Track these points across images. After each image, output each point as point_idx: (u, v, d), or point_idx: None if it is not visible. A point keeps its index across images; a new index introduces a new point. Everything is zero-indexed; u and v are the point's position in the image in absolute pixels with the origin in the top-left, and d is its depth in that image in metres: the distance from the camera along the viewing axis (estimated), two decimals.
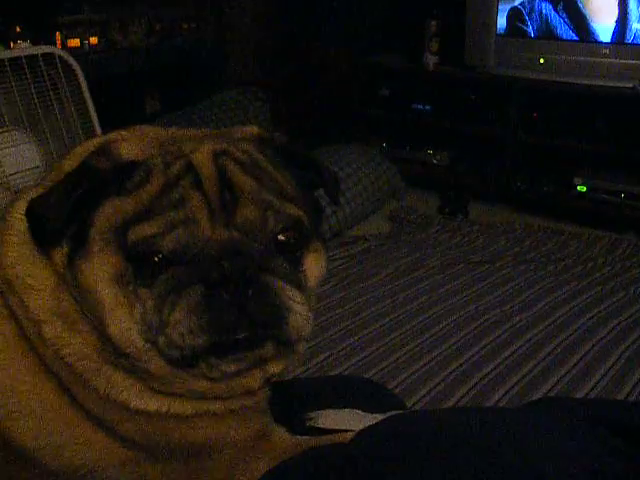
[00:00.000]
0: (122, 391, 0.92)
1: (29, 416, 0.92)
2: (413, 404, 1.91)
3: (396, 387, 1.99)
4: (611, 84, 3.47)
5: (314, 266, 0.95)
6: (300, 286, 0.91)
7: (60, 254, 0.91)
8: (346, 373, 2.07)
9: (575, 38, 3.58)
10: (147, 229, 0.86)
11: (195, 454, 0.95)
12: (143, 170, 0.89)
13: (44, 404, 0.92)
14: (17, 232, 0.96)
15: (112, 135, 0.97)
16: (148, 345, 0.88)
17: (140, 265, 0.86)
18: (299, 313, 0.88)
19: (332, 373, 2.05)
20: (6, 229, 0.97)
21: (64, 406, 0.92)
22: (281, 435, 1.02)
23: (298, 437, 1.04)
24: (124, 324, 0.88)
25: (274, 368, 0.97)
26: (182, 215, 0.86)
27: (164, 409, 0.93)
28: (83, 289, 0.89)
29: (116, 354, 0.91)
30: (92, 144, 0.96)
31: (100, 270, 0.87)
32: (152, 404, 0.93)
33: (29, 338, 0.92)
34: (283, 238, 0.91)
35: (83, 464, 0.93)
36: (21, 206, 0.96)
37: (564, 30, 3.61)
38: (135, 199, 0.88)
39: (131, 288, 0.87)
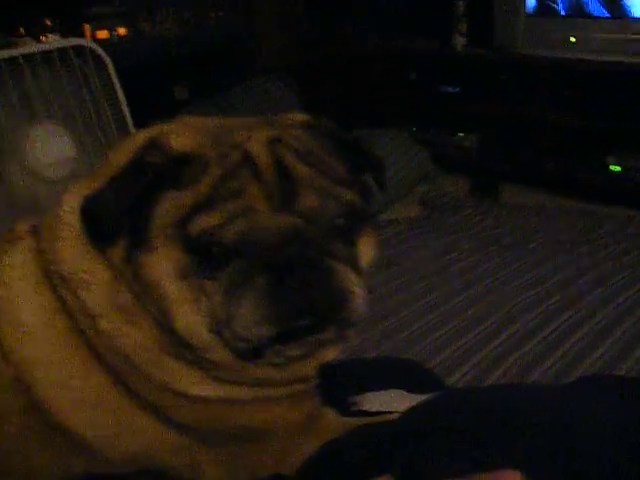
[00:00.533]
0: (180, 380, 0.93)
1: (85, 407, 0.93)
2: (451, 384, 1.91)
3: (433, 369, 1.99)
4: None
5: (367, 249, 0.96)
6: (357, 269, 0.92)
7: (117, 250, 0.92)
8: (384, 354, 2.07)
9: (607, 14, 3.53)
10: (208, 221, 0.85)
11: (249, 438, 0.96)
12: (198, 162, 0.89)
13: (99, 395, 0.94)
14: (69, 227, 0.96)
15: (160, 128, 0.97)
16: (214, 337, 0.89)
17: (203, 258, 0.86)
18: (359, 296, 0.89)
19: (369, 356, 2.06)
20: (58, 224, 0.97)
21: (118, 396, 0.93)
22: (330, 417, 1.03)
23: (346, 418, 1.04)
24: (190, 318, 0.88)
25: (331, 353, 0.99)
26: (242, 205, 0.86)
27: (221, 396, 0.94)
28: (145, 283, 0.89)
29: (180, 346, 0.91)
30: (140, 138, 0.96)
31: (163, 265, 0.87)
32: (211, 391, 0.94)
33: (83, 332, 0.93)
34: (340, 223, 0.91)
35: (139, 451, 0.95)
36: (70, 200, 0.97)
37: (595, 6, 3.57)
38: (193, 191, 0.87)
39: (195, 281, 0.87)
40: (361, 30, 4.41)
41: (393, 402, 1.08)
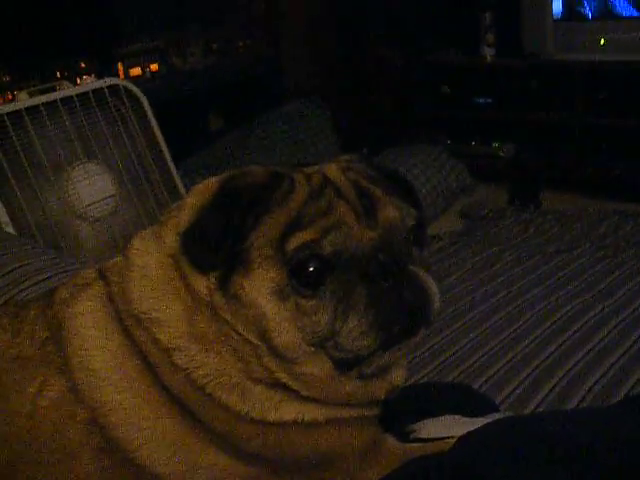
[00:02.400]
0: (260, 405, 0.95)
1: (159, 446, 0.96)
2: (500, 402, 1.89)
3: (481, 386, 1.98)
4: None
5: (428, 257, 1.03)
6: (430, 272, 1.00)
7: (208, 278, 0.95)
8: (430, 375, 2.06)
9: (636, 14, 3.50)
10: (305, 236, 0.91)
11: (318, 465, 0.97)
12: (287, 182, 0.96)
13: (171, 434, 0.96)
14: (138, 268, 1.01)
15: (228, 173, 1.02)
16: (314, 350, 0.93)
17: (301, 275, 0.91)
18: (437, 297, 0.97)
19: (417, 376, 2.05)
20: (128, 267, 1.01)
21: (191, 433, 0.96)
22: (391, 443, 1.04)
23: (406, 445, 1.05)
24: (290, 333, 0.92)
25: (400, 374, 1.05)
26: (334, 220, 0.92)
27: (299, 418, 0.96)
28: (244, 304, 0.92)
29: (277, 360, 0.94)
30: (211, 182, 1.00)
31: (263, 284, 0.91)
32: (288, 414, 0.96)
33: (156, 371, 0.96)
34: (413, 233, 1.00)
35: None
36: (137, 244, 1.03)
37: (623, 6, 3.54)
38: (285, 211, 0.93)
39: (293, 299, 0.91)
40: (389, 47, 4.43)
41: (450, 428, 1.08)
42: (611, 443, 0.74)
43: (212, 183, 1.00)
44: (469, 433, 0.89)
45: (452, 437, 1.02)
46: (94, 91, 2.56)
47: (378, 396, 1.02)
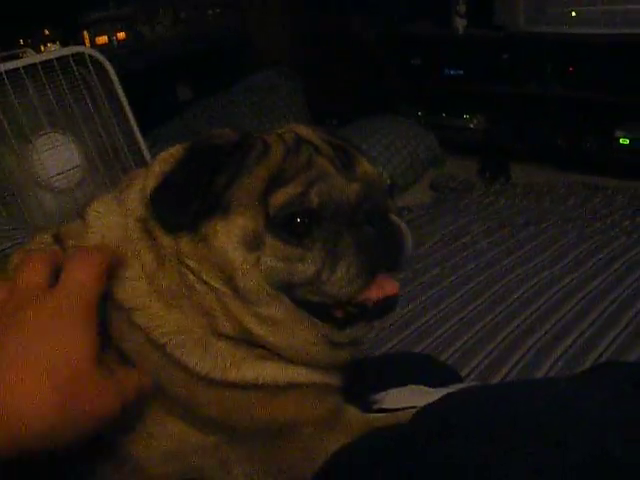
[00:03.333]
0: (218, 363, 0.93)
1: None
2: (467, 374, 1.90)
3: (449, 357, 1.99)
4: None
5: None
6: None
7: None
8: (398, 347, 2.07)
9: None
10: (290, 190, 0.91)
11: (276, 433, 0.95)
12: (260, 142, 0.96)
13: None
14: (96, 230, 0.98)
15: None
16: (278, 293, 0.93)
17: (288, 227, 0.91)
18: (411, 246, 0.97)
19: (385, 347, 2.05)
20: (86, 229, 0.98)
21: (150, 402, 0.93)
22: (352, 413, 1.03)
23: (368, 415, 1.04)
24: (255, 280, 0.91)
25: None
26: (316, 173, 0.93)
27: (260, 379, 0.94)
28: (211, 249, 0.91)
29: (243, 305, 0.93)
30: (177, 148, 0.99)
31: (234, 231, 0.91)
32: (250, 373, 0.94)
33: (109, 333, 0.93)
34: (387, 184, 1.03)
35: (169, 455, 0.94)
36: (96, 207, 1.00)
37: None
38: (265, 167, 0.93)
39: (269, 250, 0.91)
40: (360, 17, 4.39)
41: (413, 398, 1.07)
42: (565, 414, 0.74)
43: (178, 148, 0.98)
44: (429, 405, 0.88)
45: (415, 407, 1.02)
46: (59, 59, 2.51)
47: (343, 358, 1.01)
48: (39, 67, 2.46)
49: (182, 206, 0.90)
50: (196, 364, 0.92)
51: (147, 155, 2.75)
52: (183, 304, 0.93)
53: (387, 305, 0.96)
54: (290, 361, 0.96)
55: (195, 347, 0.92)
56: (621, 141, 3.55)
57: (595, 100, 3.66)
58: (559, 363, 1.93)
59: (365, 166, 0.99)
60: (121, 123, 2.69)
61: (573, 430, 0.71)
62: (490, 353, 2.01)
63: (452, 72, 4.09)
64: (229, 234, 0.90)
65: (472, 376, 1.91)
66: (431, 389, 1.10)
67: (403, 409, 1.04)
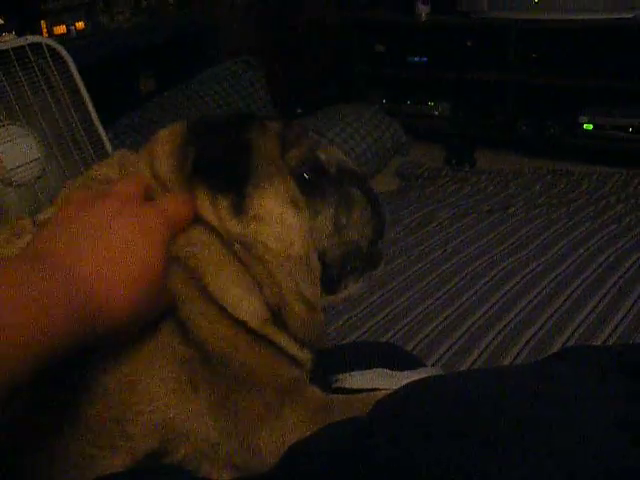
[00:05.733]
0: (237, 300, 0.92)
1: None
2: (435, 362, 1.90)
3: (417, 345, 1.98)
4: (609, 16, 3.40)
5: None
6: None
7: (217, 208, 0.91)
8: (365, 335, 2.06)
9: None
10: (301, 150, 0.96)
11: (241, 381, 0.92)
12: (254, 119, 0.98)
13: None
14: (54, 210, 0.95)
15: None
16: (316, 261, 0.97)
17: (304, 184, 0.94)
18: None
19: (351, 336, 2.04)
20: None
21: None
22: (314, 390, 1.01)
23: (329, 394, 1.03)
24: (306, 244, 0.93)
25: None
26: (312, 140, 1.00)
27: (253, 322, 0.92)
28: (267, 223, 0.91)
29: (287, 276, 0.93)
30: (175, 127, 0.98)
31: (280, 198, 0.92)
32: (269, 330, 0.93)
33: None
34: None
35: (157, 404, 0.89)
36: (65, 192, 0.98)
37: None
38: (271, 135, 0.96)
39: (305, 207, 0.94)
40: (324, 5, 4.37)
41: (375, 380, 1.07)
42: (532, 401, 0.73)
43: (176, 127, 0.97)
44: (389, 395, 0.86)
45: (378, 389, 1.01)
46: (15, 49, 2.45)
47: (322, 343, 1.04)
48: None
49: (224, 166, 0.91)
50: (236, 307, 0.91)
51: (108, 147, 2.70)
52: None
53: (375, 256, 1.05)
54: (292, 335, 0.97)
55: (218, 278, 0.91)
56: (585, 126, 3.57)
57: (558, 86, 3.68)
58: (526, 349, 1.94)
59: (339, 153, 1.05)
60: (81, 115, 2.64)
61: (540, 417, 0.69)
62: (457, 340, 2.00)
63: (416, 59, 4.08)
64: (278, 200, 0.91)
65: (440, 363, 1.90)
66: (395, 372, 1.09)
67: (365, 390, 1.03)
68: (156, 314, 0.84)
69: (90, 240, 0.75)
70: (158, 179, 0.93)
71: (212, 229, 0.91)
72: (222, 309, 0.90)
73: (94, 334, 0.71)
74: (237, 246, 0.91)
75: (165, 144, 0.95)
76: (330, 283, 1.01)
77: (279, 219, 0.91)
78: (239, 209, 0.90)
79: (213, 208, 0.90)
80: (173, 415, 0.88)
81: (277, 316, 0.94)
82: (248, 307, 0.91)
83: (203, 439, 0.90)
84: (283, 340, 0.95)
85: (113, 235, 0.76)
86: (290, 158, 0.94)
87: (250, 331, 0.91)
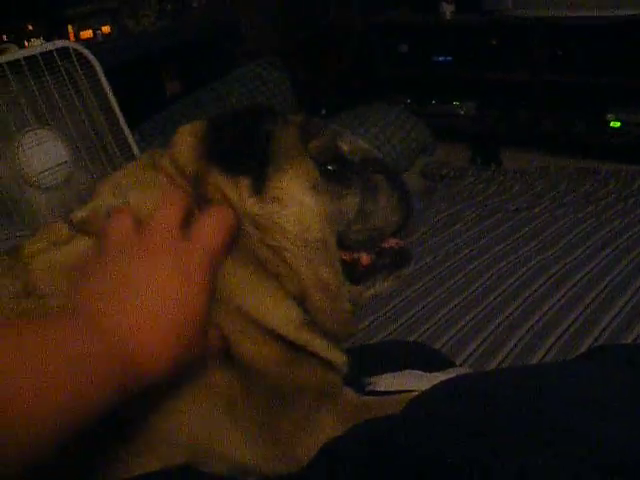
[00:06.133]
0: (286, 316, 0.92)
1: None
2: (462, 362, 1.89)
3: (443, 346, 1.98)
4: (636, 12, 3.37)
5: None
6: None
7: (238, 187, 0.92)
8: (392, 336, 2.06)
9: None
10: (323, 140, 0.97)
11: (282, 396, 0.93)
12: (275, 112, 0.98)
13: None
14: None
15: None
16: (335, 248, 0.95)
17: (326, 172, 0.95)
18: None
19: (378, 337, 2.04)
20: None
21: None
22: (349, 393, 1.02)
23: (363, 397, 1.03)
24: (324, 229, 0.93)
25: None
26: (335, 131, 1.01)
27: (306, 345, 0.93)
28: (285, 205, 0.91)
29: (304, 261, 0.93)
30: (196, 123, 0.98)
31: (300, 181, 0.92)
32: (303, 336, 0.93)
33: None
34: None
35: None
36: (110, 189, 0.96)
37: None
38: (293, 126, 0.97)
39: (325, 193, 0.94)
40: (347, 5, 4.37)
41: (407, 382, 1.07)
42: (563, 399, 0.73)
43: (197, 123, 0.97)
44: (423, 393, 0.87)
45: (410, 391, 1.01)
46: (43, 54, 2.48)
47: (349, 334, 1.02)
48: (23, 63, 2.43)
49: (246, 149, 0.91)
50: (268, 318, 0.90)
51: (135, 150, 2.72)
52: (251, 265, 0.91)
53: (405, 253, 1.02)
54: (323, 334, 0.95)
55: (246, 287, 0.90)
56: (612, 124, 3.54)
57: (585, 84, 3.65)
58: (553, 350, 1.93)
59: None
60: (108, 118, 2.66)
61: (573, 417, 0.69)
62: (485, 340, 2.00)
63: (440, 58, 4.07)
64: (299, 183, 0.92)
65: (467, 363, 1.90)
66: (427, 373, 1.09)
67: (398, 392, 1.03)
68: (201, 353, 0.82)
69: (132, 295, 0.74)
70: (183, 174, 0.93)
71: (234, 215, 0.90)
72: (255, 322, 0.89)
73: (132, 393, 0.70)
74: (254, 231, 0.90)
75: (186, 137, 0.96)
76: (354, 271, 0.99)
77: (298, 201, 0.91)
78: (258, 189, 0.90)
79: (235, 187, 0.90)
80: (202, 438, 0.88)
81: (307, 312, 0.93)
82: (277, 312, 0.90)
83: (238, 459, 0.90)
84: (319, 344, 0.94)
85: (153, 287, 0.75)
86: (312, 147, 0.95)
87: (286, 341, 0.91)
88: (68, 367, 0.63)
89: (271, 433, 0.92)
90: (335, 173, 0.95)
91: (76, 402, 0.63)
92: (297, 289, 0.93)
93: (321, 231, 0.92)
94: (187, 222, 0.84)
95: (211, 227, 0.84)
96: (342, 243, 0.96)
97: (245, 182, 0.90)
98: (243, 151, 0.91)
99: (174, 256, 0.78)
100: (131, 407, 0.77)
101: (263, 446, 0.91)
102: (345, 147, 0.99)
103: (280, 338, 0.90)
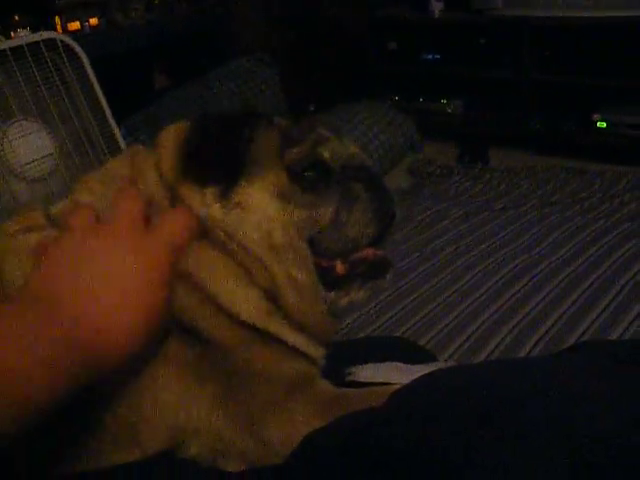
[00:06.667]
0: (254, 308, 0.93)
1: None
2: (447, 358, 1.90)
3: (428, 342, 1.98)
4: (625, 14, 3.38)
5: None
6: None
7: (204, 195, 0.94)
8: (377, 332, 2.06)
9: None
10: (303, 147, 0.97)
11: (245, 380, 0.94)
12: (264, 115, 1.00)
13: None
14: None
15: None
16: (305, 250, 0.96)
17: (304, 179, 0.96)
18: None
19: (363, 333, 2.04)
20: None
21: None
22: (324, 384, 1.02)
23: (341, 389, 1.03)
24: (291, 234, 0.94)
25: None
26: (319, 136, 1.00)
27: (276, 334, 0.94)
28: (249, 211, 0.93)
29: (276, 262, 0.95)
30: (180, 125, 0.99)
31: (266, 189, 0.94)
32: (272, 327, 0.94)
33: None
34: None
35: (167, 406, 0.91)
36: (92, 185, 0.98)
37: None
38: (275, 131, 0.98)
39: (295, 201, 0.95)
40: (338, 2, 4.37)
41: (389, 374, 1.07)
42: (549, 391, 0.73)
43: (181, 125, 0.99)
44: (405, 385, 0.87)
45: (389, 383, 1.01)
46: (29, 45, 2.46)
47: (333, 332, 1.04)
48: (9, 53, 2.41)
49: (219, 159, 0.93)
50: (235, 306, 0.92)
51: (122, 143, 2.71)
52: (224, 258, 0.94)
53: (383, 265, 1.02)
54: (298, 327, 0.97)
55: (238, 293, 0.93)
56: (599, 124, 3.55)
57: (572, 84, 3.66)
58: (539, 346, 1.94)
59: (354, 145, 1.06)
60: (95, 111, 2.64)
61: (555, 411, 0.69)
62: (470, 336, 2.00)
63: (429, 56, 4.07)
64: (263, 191, 0.93)
65: (452, 359, 1.90)
66: (408, 365, 1.09)
67: (379, 384, 1.03)
68: (161, 337, 0.84)
69: (92, 282, 0.74)
70: (163, 179, 0.95)
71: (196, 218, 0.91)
72: (221, 308, 0.91)
73: (96, 376, 0.71)
74: (220, 233, 0.93)
75: (169, 142, 0.98)
76: (328, 277, 0.99)
77: (260, 208, 0.93)
78: (224, 195, 0.92)
79: (201, 196, 0.93)
80: (181, 417, 0.90)
81: (277, 305, 0.95)
82: (245, 301, 0.93)
83: (213, 436, 0.92)
84: (289, 335, 0.96)
85: (115, 278, 0.75)
86: (289, 154, 0.96)
87: (252, 328, 0.93)
88: (33, 350, 0.64)
89: (241, 412, 0.93)
90: (310, 181, 0.96)
91: (24, 387, 0.63)
92: (269, 284, 0.95)
93: (285, 236, 0.93)
94: (149, 220, 0.86)
95: (171, 224, 0.86)
96: (316, 249, 0.97)
97: (212, 189, 0.92)
98: (215, 162, 0.93)
99: (134, 246, 0.79)
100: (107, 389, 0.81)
101: (233, 422, 0.93)
102: (326, 154, 0.98)
103: (247, 325, 0.92)
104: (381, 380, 1.05)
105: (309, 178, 0.96)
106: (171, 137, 0.98)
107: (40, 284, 0.74)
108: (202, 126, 0.96)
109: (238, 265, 0.93)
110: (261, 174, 0.94)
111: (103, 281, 0.74)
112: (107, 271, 0.75)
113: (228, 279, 0.93)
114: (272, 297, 0.95)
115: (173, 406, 0.89)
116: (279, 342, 0.95)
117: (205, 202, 0.93)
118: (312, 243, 0.97)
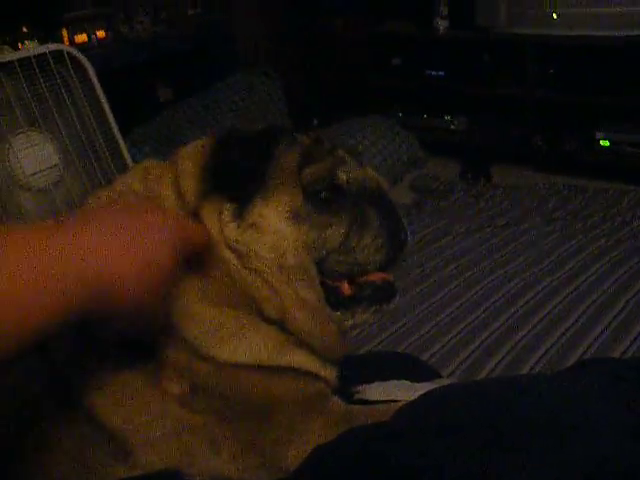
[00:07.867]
0: (257, 346, 0.95)
1: (112, 395, 0.93)
2: (448, 375, 1.90)
3: (431, 358, 1.98)
4: (628, 33, 3.39)
5: None
6: None
7: (221, 214, 0.95)
8: (380, 347, 2.06)
9: None
10: (321, 167, 0.98)
11: (264, 410, 0.95)
12: (287, 133, 1.02)
13: (125, 384, 0.94)
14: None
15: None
16: (314, 272, 0.98)
17: (318, 200, 0.97)
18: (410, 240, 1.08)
19: (364, 349, 2.04)
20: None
21: (143, 386, 0.94)
22: (336, 401, 1.03)
23: (351, 405, 1.04)
24: (304, 254, 0.95)
25: None
26: (339, 159, 1.02)
27: (256, 360, 0.95)
28: (263, 232, 0.94)
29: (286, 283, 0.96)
30: (200, 142, 1.02)
31: (281, 209, 0.95)
32: (286, 358, 0.96)
33: None
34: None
35: (163, 437, 0.94)
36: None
37: None
38: (296, 150, 0.99)
39: (309, 222, 0.96)
40: (341, 16, 4.39)
41: (395, 392, 1.08)
42: (550, 409, 0.73)
43: (201, 143, 1.01)
44: (412, 402, 0.88)
45: (397, 400, 1.02)
46: (37, 57, 2.48)
47: (344, 352, 1.05)
48: (16, 64, 2.42)
49: (237, 178, 0.94)
50: (197, 342, 0.93)
51: (126, 155, 2.72)
52: (223, 296, 0.95)
53: (389, 289, 1.02)
54: (310, 350, 0.99)
55: (197, 321, 0.94)
56: (601, 143, 3.56)
57: (575, 102, 3.67)
58: (540, 364, 1.94)
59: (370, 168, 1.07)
60: (100, 122, 2.66)
61: (559, 425, 0.70)
62: (472, 353, 2.00)
63: (433, 73, 4.09)
64: (278, 212, 0.94)
65: (454, 376, 1.90)
66: (414, 383, 1.10)
67: (385, 402, 1.04)
68: (159, 316, 0.88)
69: (107, 232, 0.78)
70: (182, 198, 0.96)
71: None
72: (228, 362, 0.93)
73: (103, 308, 0.75)
74: (231, 255, 0.94)
75: (189, 162, 0.99)
76: (333, 297, 1.01)
77: (274, 229, 0.94)
78: (240, 215, 0.94)
79: (218, 215, 0.94)
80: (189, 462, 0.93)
81: (289, 331, 0.96)
82: (253, 347, 0.94)
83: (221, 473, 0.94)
84: (305, 361, 0.97)
85: (126, 231, 0.80)
86: (306, 174, 0.97)
87: (263, 367, 0.94)
88: (48, 270, 0.69)
89: (255, 449, 0.95)
90: (325, 202, 0.97)
91: (54, 297, 0.68)
92: (278, 310, 0.96)
93: (297, 257, 0.94)
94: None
95: (186, 231, 0.90)
96: (323, 270, 0.98)
97: (229, 208, 0.94)
98: (233, 180, 0.94)
99: (147, 217, 0.85)
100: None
101: (247, 460, 0.94)
102: (343, 176, 0.99)
103: (256, 366, 0.94)
104: (387, 398, 1.06)
105: (324, 198, 0.97)
106: (191, 156, 0.99)
107: (72, 222, 0.80)
108: (225, 146, 0.97)
109: (246, 296, 0.94)
110: (278, 192, 0.94)
111: (118, 233, 0.79)
112: (122, 226, 0.80)
113: (228, 328, 0.94)
114: (282, 325, 0.96)
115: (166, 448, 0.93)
116: (291, 369, 0.96)
117: (222, 220, 0.94)
118: (319, 262, 0.97)
